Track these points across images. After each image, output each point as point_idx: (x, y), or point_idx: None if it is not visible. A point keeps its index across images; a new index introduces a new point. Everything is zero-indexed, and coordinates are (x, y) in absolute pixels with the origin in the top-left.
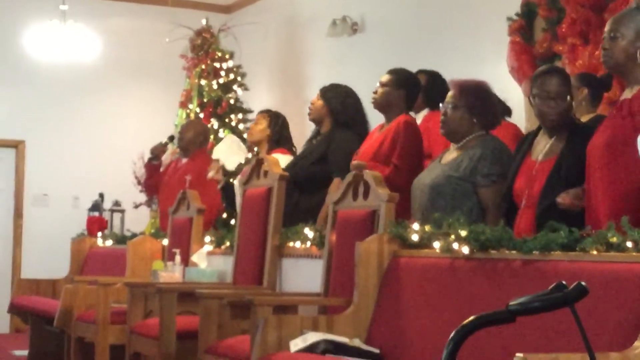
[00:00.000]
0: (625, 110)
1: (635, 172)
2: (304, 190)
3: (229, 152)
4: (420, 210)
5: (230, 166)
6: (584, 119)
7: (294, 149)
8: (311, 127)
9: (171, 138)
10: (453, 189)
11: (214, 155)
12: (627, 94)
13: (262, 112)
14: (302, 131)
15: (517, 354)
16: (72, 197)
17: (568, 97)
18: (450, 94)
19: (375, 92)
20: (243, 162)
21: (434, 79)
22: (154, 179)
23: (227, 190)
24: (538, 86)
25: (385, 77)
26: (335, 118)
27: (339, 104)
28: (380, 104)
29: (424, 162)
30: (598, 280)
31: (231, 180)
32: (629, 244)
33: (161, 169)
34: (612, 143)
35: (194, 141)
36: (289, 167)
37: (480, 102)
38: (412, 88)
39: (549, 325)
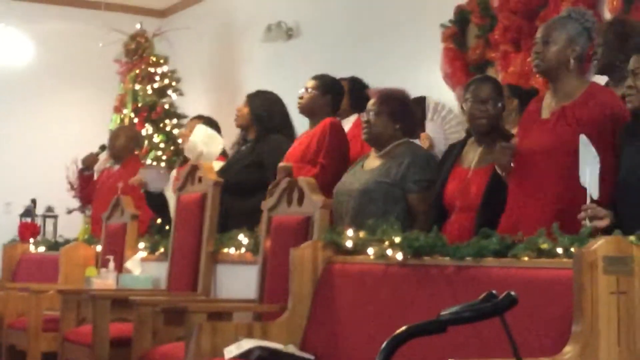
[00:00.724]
0: (569, 117)
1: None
2: (236, 196)
3: (208, 140)
4: (348, 216)
5: (217, 151)
6: (514, 130)
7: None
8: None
9: (103, 147)
10: (384, 195)
11: (192, 148)
12: (557, 101)
13: (195, 118)
14: (234, 136)
15: None
16: (4, 203)
17: (499, 105)
18: (372, 101)
19: (301, 97)
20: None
21: (356, 84)
22: (88, 189)
23: (151, 196)
24: (471, 91)
25: (311, 83)
26: (261, 125)
27: (265, 112)
28: (307, 109)
29: (348, 164)
30: (529, 286)
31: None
32: (559, 250)
33: (94, 178)
34: (556, 148)
35: (126, 147)
36: (219, 173)
37: (402, 108)
38: (337, 93)
39: (481, 331)
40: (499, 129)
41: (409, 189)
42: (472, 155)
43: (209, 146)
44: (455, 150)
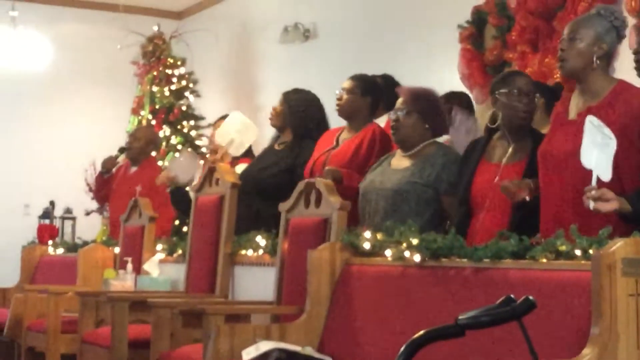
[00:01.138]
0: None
1: (605, 182)
2: (267, 199)
3: (242, 129)
4: (378, 215)
5: (249, 141)
6: (544, 130)
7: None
8: (265, 133)
9: (122, 150)
10: (418, 195)
11: (224, 133)
12: (584, 101)
13: (222, 118)
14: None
15: None
16: (23, 205)
17: (535, 100)
18: (400, 100)
19: (339, 99)
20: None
21: (389, 83)
22: (105, 191)
23: (177, 194)
24: (508, 84)
25: (349, 84)
26: (298, 126)
27: (302, 112)
28: (347, 111)
29: None
30: (547, 289)
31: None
32: (578, 252)
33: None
34: (577, 153)
35: (144, 150)
36: (252, 173)
37: (432, 107)
38: (377, 95)
39: (498, 334)
40: (529, 126)
41: (442, 191)
42: (500, 150)
43: (242, 134)
44: (479, 146)
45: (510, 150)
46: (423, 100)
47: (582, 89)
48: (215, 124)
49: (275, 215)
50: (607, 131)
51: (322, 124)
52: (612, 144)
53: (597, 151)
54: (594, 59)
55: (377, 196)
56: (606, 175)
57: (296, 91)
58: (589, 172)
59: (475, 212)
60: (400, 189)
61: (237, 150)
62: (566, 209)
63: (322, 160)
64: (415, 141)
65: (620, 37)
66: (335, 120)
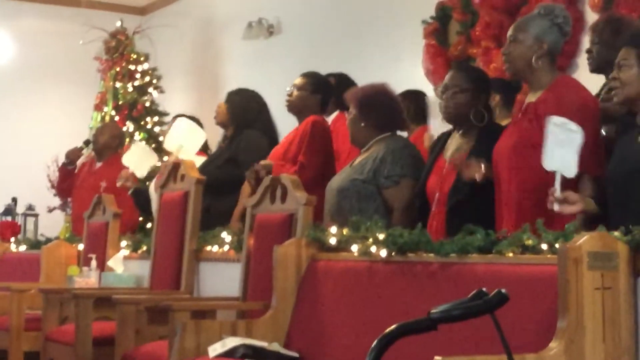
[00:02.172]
0: (531, 114)
1: (543, 174)
2: (215, 194)
3: (138, 160)
4: (330, 214)
5: (141, 174)
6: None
7: (208, 151)
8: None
9: (87, 142)
10: (357, 192)
11: (125, 163)
12: (531, 98)
13: (177, 116)
14: (218, 134)
15: (436, 357)
16: None
17: (467, 94)
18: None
19: (289, 95)
20: (156, 164)
21: (342, 81)
22: (68, 182)
23: (139, 196)
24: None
25: (300, 81)
26: (238, 121)
27: (241, 108)
28: (296, 107)
29: (333, 162)
30: (514, 283)
31: (147, 183)
32: (544, 246)
33: (76, 172)
34: (519, 146)
35: (110, 145)
36: (200, 171)
37: (366, 105)
38: (327, 92)
39: (469, 328)
40: (469, 118)
41: (381, 185)
42: (453, 145)
43: (190, 140)
44: (441, 142)
45: (455, 144)
46: (358, 99)
47: (530, 88)
48: (170, 123)
49: (226, 210)
50: (573, 126)
51: (260, 118)
52: (578, 137)
53: (561, 150)
54: (534, 59)
55: (329, 195)
56: (572, 171)
57: (239, 90)
58: (530, 165)
59: (432, 207)
60: (341, 187)
61: (188, 155)
62: (516, 202)
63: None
64: (362, 140)
65: (563, 33)
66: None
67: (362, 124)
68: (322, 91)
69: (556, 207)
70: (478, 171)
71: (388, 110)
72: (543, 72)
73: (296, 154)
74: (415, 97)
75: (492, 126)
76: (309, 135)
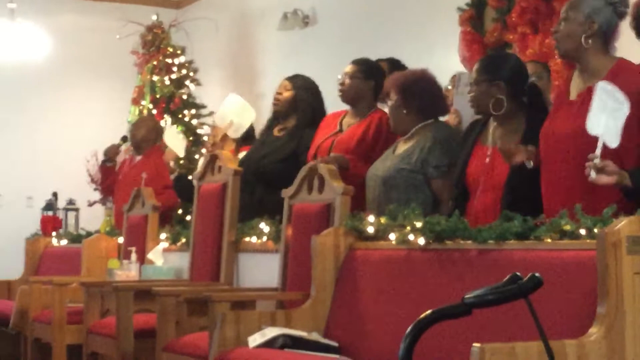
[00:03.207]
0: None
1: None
2: (270, 187)
3: (176, 141)
4: (375, 202)
5: (247, 123)
6: None
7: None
8: (264, 120)
9: (124, 139)
10: (405, 182)
11: (222, 116)
12: (586, 82)
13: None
14: (256, 125)
15: (474, 344)
16: (26, 197)
17: (485, 85)
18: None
19: (342, 84)
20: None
21: (395, 67)
22: (110, 180)
23: (180, 181)
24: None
25: (352, 68)
26: (304, 114)
27: (309, 105)
28: (350, 96)
29: None
30: (552, 268)
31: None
32: (582, 232)
33: (116, 169)
34: (581, 132)
35: (147, 138)
36: (253, 161)
37: (408, 91)
38: (380, 78)
39: (506, 314)
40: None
41: (430, 175)
42: (496, 131)
43: (241, 117)
44: (477, 128)
45: (497, 133)
46: (400, 86)
47: (581, 69)
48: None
49: (278, 203)
50: (620, 96)
51: (322, 112)
52: (625, 108)
53: (606, 117)
54: (583, 38)
55: (374, 183)
56: (614, 141)
57: (303, 79)
58: (591, 152)
59: (471, 195)
60: (387, 176)
61: (237, 132)
62: (568, 188)
63: (327, 146)
64: (405, 127)
65: (618, 13)
66: (333, 106)
67: (405, 111)
68: (374, 77)
69: (593, 175)
70: (527, 157)
71: (430, 97)
72: (594, 54)
73: (370, 151)
74: (394, 65)
75: (540, 110)
76: (386, 133)
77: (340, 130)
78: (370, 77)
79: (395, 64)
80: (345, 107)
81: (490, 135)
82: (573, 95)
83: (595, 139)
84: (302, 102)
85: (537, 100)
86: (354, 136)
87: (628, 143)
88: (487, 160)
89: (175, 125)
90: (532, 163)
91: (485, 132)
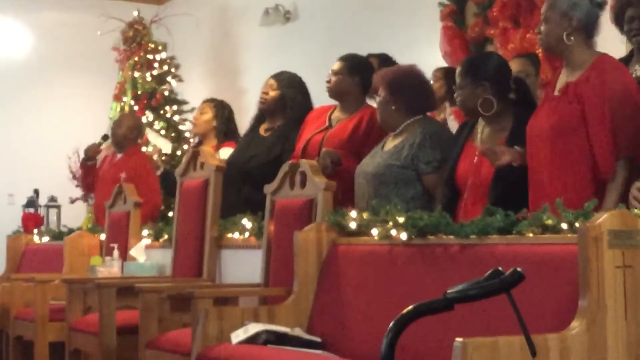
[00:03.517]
0: (571, 95)
1: (581, 159)
2: (256, 186)
3: (160, 139)
4: (364, 199)
5: (166, 150)
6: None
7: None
8: (247, 117)
9: (105, 137)
10: (395, 178)
11: (150, 140)
12: (569, 77)
13: (206, 100)
14: (238, 121)
15: (457, 339)
16: (6, 194)
17: (469, 86)
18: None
19: (328, 81)
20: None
21: (385, 62)
22: (91, 178)
23: (167, 179)
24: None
25: (338, 65)
26: (292, 113)
27: (298, 104)
28: (337, 92)
29: None
30: (535, 263)
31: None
32: (564, 226)
33: (97, 167)
34: (558, 128)
35: (128, 136)
36: (240, 161)
37: (398, 88)
38: (365, 73)
39: (489, 309)
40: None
41: (421, 171)
42: (485, 130)
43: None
44: (467, 128)
45: (485, 132)
46: (388, 82)
47: (566, 64)
48: (199, 107)
49: (265, 201)
50: None
51: (310, 110)
52: None
53: None
54: (564, 36)
55: (363, 179)
56: None
57: (289, 76)
58: (570, 148)
59: (462, 193)
60: (377, 173)
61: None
62: (550, 184)
63: (317, 140)
64: (393, 123)
65: (596, 4)
66: (317, 101)
67: (393, 107)
68: (360, 73)
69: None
70: (506, 158)
71: (419, 92)
72: (578, 49)
73: (360, 146)
74: (385, 60)
75: (528, 105)
76: (377, 128)
77: (330, 126)
78: (355, 74)
79: (386, 60)
80: (330, 101)
81: (479, 134)
82: (557, 90)
83: (574, 134)
84: (290, 100)
85: (525, 95)
86: (345, 131)
87: (598, 140)
88: (476, 159)
89: (154, 132)
90: (515, 163)
91: (475, 131)
